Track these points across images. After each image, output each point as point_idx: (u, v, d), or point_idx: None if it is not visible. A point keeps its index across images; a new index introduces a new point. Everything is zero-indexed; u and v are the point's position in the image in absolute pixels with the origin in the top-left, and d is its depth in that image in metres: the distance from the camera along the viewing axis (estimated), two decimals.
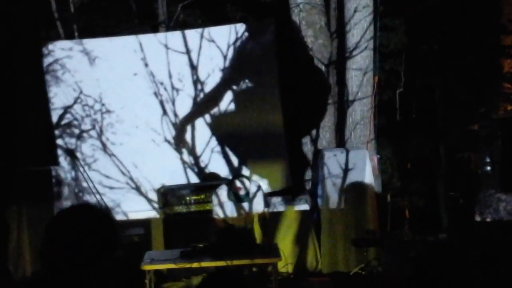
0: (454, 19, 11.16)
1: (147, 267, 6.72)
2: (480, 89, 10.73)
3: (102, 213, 2.57)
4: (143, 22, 12.82)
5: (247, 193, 7.22)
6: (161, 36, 9.90)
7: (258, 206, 7.45)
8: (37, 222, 7.94)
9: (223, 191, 7.40)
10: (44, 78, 9.21)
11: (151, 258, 6.94)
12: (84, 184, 9.14)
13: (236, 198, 7.23)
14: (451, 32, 11.31)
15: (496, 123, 8.93)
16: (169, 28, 11.91)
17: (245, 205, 7.37)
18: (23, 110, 8.79)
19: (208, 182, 8.96)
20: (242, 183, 7.19)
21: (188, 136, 9.61)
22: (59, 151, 9.38)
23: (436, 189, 11.32)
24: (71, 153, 9.32)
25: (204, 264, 6.79)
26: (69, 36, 11.77)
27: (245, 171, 9.45)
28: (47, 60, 9.35)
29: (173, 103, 9.57)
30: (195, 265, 6.76)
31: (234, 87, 9.64)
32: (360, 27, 9.37)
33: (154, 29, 12.08)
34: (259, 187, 7.50)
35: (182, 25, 11.97)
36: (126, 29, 11.48)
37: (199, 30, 9.75)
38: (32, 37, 9.03)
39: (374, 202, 8.67)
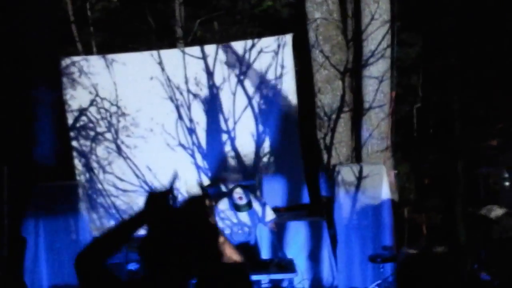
0: (472, 35, 11.10)
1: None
2: (498, 104, 10.66)
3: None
4: (161, 38, 12.91)
5: (247, 203, 7.22)
6: (179, 50, 9.95)
7: (263, 218, 7.45)
8: (53, 236, 7.98)
9: (224, 205, 7.41)
10: (61, 88, 9.25)
11: None
12: (98, 187, 9.17)
13: (236, 207, 7.24)
14: (469, 47, 11.26)
15: None
16: (187, 43, 11.98)
17: (248, 218, 7.37)
18: (40, 124, 8.83)
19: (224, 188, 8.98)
20: (242, 193, 7.20)
21: (203, 142, 9.63)
22: (74, 153, 9.40)
23: (453, 205, 11.22)
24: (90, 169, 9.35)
25: None
26: (87, 52, 11.88)
27: (257, 182, 9.45)
28: (64, 63, 9.40)
29: (189, 108, 9.60)
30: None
31: (251, 98, 9.67)
32: (376, 39, 9.35)
33: (172, 45, 12.16)
34: (262, 199, 7.53)
35: (199, 41, 12.04)
36: (144, 45, 11.57)
37: (218, 46, 9.80)
38: (51, 51, 9.09)
39: (391, 217, 8.61)
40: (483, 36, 10.69)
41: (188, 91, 9.59)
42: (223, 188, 9.39)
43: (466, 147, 10.81)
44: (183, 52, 9.61)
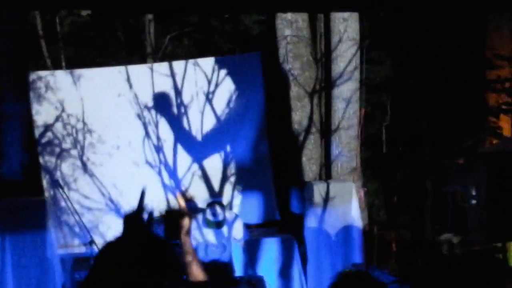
0: (440, 53, 11.24)
1: None
2: (466, 122, 10.79)
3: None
4: (131, 53, 12.86)
5: (222, 220, 7.19)
6: (148, 66, 9.91)
7: (236, 235, 7.42)
8: (20, 253, 7.84)
9: (197, 222, 7.36)
10: (29, 102, 9.13)
11: None
12: (63, 204, 9.04)
13: (209, 224, 7.19)
14: (437, 65, 11.39)
15: (482, 156, 8.96)
16: (157, 59, 11.95)
17: (220, 235, 7.34)
18: (7, 137, 8.71)
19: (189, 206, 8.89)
20: (217, 209, 7.16)
21: (170, 160, 9.56)
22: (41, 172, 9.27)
23: (422, 223, 11.32)
24: (55, 182, 9.22)
25: None
26: (56, 66, 11.78)
27: (227, 200, 9.43)
28: (30, 77, 9.28)
29: (156, 126, 9.53)
30: None
31: (220, 116, 9.65)
32: (345, 57, 9.43)
33: (142, 61, 12.13)
34: (236, 216, 7.48)
35: (170, 56, 12.02)
36: (114, 60, 11.51)
37: (189, 61, 9.78)
38: (19, 66, 8.98)
39: (361, 235, 8.64)
40: (454, 55, 10.83)
41: (156, 108, 9.53)
42: (197, 204, 9.35)
43: (435, 164, 10.92)
44: (151, 69, 9.56)
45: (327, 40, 9.84)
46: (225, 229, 7.33)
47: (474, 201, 8.26)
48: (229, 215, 7.43)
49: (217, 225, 7.22)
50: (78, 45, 12.50)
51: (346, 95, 9.46)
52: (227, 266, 7.36)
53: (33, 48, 11.37)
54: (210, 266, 7.13)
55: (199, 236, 7.34)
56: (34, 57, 11.44)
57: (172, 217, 2.68)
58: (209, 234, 7.36)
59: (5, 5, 8.73)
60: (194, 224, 7.38)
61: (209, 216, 7.17)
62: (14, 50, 8.78)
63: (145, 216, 2.67)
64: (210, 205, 7.29)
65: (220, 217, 7.17)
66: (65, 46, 12.55)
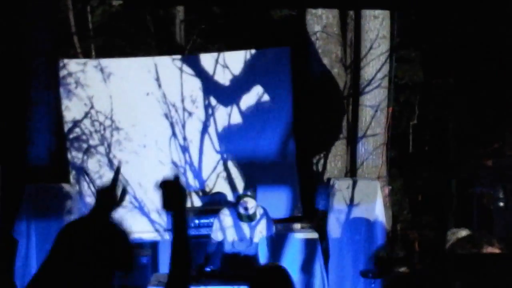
0: (470, 54, 11.16)
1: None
2: (494, 124, 10.70)
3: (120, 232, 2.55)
4: (160, 45, 12.90)
5: (254, 213, 7.18)
6: (176, 58, 9.91)
7: (264, 230, 7.41)
8: (45, 238, 7.92)
9: (226, 215, 7.36)
10: (59, 92, 9.21)
11: (158, 280, 6.90)
12: (88, 200, 9.12)
13: (242, 218, 7.18)
14: (466, 66, 11.31)
15: (509, 159, 8.89)
16: (187, 51, 11.96)
17: (250, 229, 7.33)
18: (36, 124, 8.79)
19: (215, 206, 8.90)
20: (248, 203, 7.14)
21: (195, 160, 9.58)
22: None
23: (446, 223, 11.25)
24: (84, 171, 9.30)
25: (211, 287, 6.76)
26: (86, 55, 11.86)
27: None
28: (61, 73, 9.35)
29: (183, 126, 9.55)
30: None
31: (247, 113, 9.64)
32: (375, 60, 9.38)
33: (171, 52, 12.15)
34: (264, 211, 7.47)
35: (198, 48, 12.04)
36: (143, 51, 11.55)
37: (214, 54, 9.77)
38: (49, 53, 9.06)
39: (384, 233, 8.60)
40: (481, 55, 10.74)
41: (183, 108, 9.55)
42: (218, 197, 9.38)
43: (461, 165, 10.84)
44: (181, 68, 9.51)
45: (357, 37, 9.81)
46: (252, 219, 7.31)
47: (501, 203, 8.19)
48: (258, 211, 7.42)
49: (249, 218, 7.20)
50: (108, 35, 12.58)
51: (374, 100, 9.42)
52: (253, 260, 7.37)
53: (63, 37, 11.46)
54: (235, 259, 7.17)
55: (230, 229, 7.33)
56: (64, 45, 11.53)
57: (167, 187, 2.71)
58: (241, 228, 7.35)
59: None
60: (220, 223, 7.37)
61: (241, 210, 7.14)
62: (44, 38, 8.88)
63: (118, 192, 2.72)
64: (240, 198, 7.25)
65: (251, 211, 7.14)
66: (96, 36, 12.65)
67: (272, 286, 3.12)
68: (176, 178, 2.91)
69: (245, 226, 7.30)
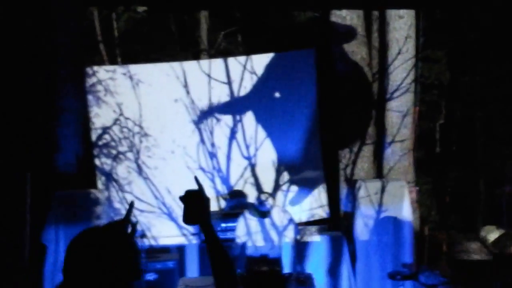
0: (496, 52, 11.04)
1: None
2: None
3: (128, 240, 2.56)
4: (185, 49, 12.96)
5: (268, 211, 7.22)
6: (204, 63, 9.94)
7: (288, 233, 7.43)
8: None
9: (248, 217, 7.41)
10: (86, 99, 9.30)
11: (185, 284, 6.94)
12: (117, 205, 9.20)
13: (255, 213, 7.23)
14: (493, 64, 11.19)
15: None
16: (211, 55, 11.99)
17: (273, 229, 7.36)
18: (63, 131, 8.89)
19: (240, 210, 8.93)
20: (264, 199, 7.20)
21: (223, 166, 9.62)
22: (96, 171, 9.44)
23: (475, 224, 11.14)
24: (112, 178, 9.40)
25: None
26: (112, 62, 11.95)
27: (281, 200, 9.46)
28: (90, 80, 9.44)
29: (211, 132, 9.59)
30: None
31: (273, 116, 9.64)
32: (402, 62, 9.31)
33: (196, 56, 12.21)
34: (289, 215, 7.50)
35: (223, 53, 12.07)
36: (168, 55, 11.61)
37: (241, 58, 9.79)
38: (76, 60, 9.15)
39: (412, 235, 8.56)
40: (508, 53, 10.62)
41: (212, 114, 9.60)
42: (244, 200, 9.40)
43: (488, 165, 10.73)
44: (209, 74, 9.52)
45: (382, 38, 9.76)
46: (275, 225, 7.35)
47: None
48: (281, 212, 7.45)
49: (262, 214, 7.26)
50: (134, 41, 12.68)
51: (402, 96, 9.37)
52: (276, 262, 7.38)
53: (90, 43, 11.57)
54: (259, 261, 7.19)
55: (253, 231, 7.38)
56: (91, 52, 11.64)
57: (189, 201, 2.69)
58: (255, 226, 7.38)
59: (64, 1, 8.93)
60: (250, 222, 7.42)
61: (256, 204, 7.24)
62: (71, 45, 8.98)
63: (129, 227, 2.70)
64: (262, 194, 7.35)
65: (266, 207, 7.21)
66: (121, 42, 12.75)
67: None
68: (199, 190, 2.90)
69: (261, 225, 7.34)
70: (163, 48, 12.66)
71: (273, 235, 7.42)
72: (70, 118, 9.02)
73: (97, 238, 2.54)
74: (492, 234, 7.50)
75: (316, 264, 8.61)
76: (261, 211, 7.25)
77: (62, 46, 8.90)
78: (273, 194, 7.42)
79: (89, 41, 11.42)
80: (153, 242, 8.98)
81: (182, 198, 2.89)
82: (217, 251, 2.84)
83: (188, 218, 2.88)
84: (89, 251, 2.49)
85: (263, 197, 7.30)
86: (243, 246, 7.45)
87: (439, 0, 9.76)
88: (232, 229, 8.27)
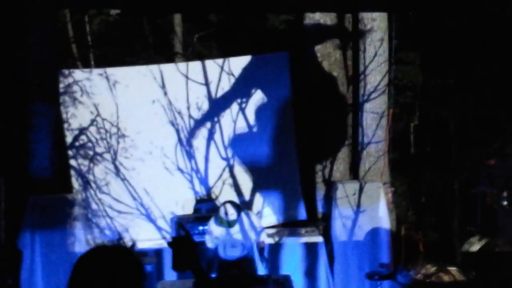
0: (469, 54, 11.17)
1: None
2: (494, 124, 10.71)
3: (130, 256, 2.52)
4: (159, 52, 12.92)
5: (234, 220, 7.22)
6: (181, 65, 9.93)
7: (258, 237, 7.46)
8: (50, 249, 7.93)
9: (214, 223, 7.43)
10: (59, 103, 9.19)
11: (164, 287, 6.90)
12: (94, 207, 9.14)
13: (221, 223, 7.24)
14: (466, 67, 11.32)
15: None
16: (185, 58, 11.97)
17: (240, 233, 7.38)
18: (37, 135, 8.79)
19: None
20: (230, 209, 7.21)
21: (201, 167, 9.60)
22: (72, 172, 9.36)
23: (450, 223, 11.25)
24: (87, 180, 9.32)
25: None
26: (86, 65, 11.87)
27: (258, 202, 9.47)
28: (66, 81, 9.35)
29: (189, 133, 9.56)
30: None
31: (250, 118, 9.65)
32: (376, 64, 9.38)
33: (170, 60, 12.17)
34: (257, 218, 7.54)
35: (198, 56, 12.05)
36: (142, 58, 11.56)
37: (219, 61, 9.78)
38: (48, 63, 9.06)
39: (388, 235, 8.61)
40: (481, 56, 10.76)
41: (189, 116, 9.57)
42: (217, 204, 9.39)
43: (463, 166, 10.85)
44: (186, 75, 9.50)
45: (356, 41, 9.81)
46: (242, 228, 7.37)
47: (505, 203, 8.18)
48: (247, 215, 7.48)
49: (229, 224, 7.26)
50: (107, 44, 12.60)
51: (376, 98, 9.43)
52: (248, 265, 7.40)
53: (62, 47, 11.46)
54: (230, 265, 7.21)
55: (220, 236, 7.39)
56: (63, 55, 11.53)
57: (180, 246, 2.67)
58: (224, 233, 7.39)
59: (35, 4, 8.84)
60: (217, 227, 7.42)
61: (222, 214, 7.23)
62: (43, 49, 8.88)
63: None
64: (226, 203, 7.34)
65: (232, 217, 7.21)
66: (94, 45, 12.65)
67: None
68: (186, 236, 2.90)
69: (227, 231, 7.35)
70: (137, 52, 12.62)
71: (243, 239, 7.43)
72: (43, 123, 8.92)
73: (105, 258, 2.49)
74: (474, 246, 7.59)
75: (294, 266, 8.62)
76: (227, 221, 7.25)
77: (34, 49, 8.80)
78: (237, 203, 7.41)
79: (62, 44, 11.31)
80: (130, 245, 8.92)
81: (170, 244, 2.87)
82: None
83: (178, 264, 2.87)
84: (97, 271, 2.44)
85: (227, 207, 7.28)
86: (215, 250, 7.45)
87: (412, 3, 9.83)
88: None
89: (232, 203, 7.35)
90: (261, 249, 7.71)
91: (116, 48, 12.56)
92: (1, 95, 8.56)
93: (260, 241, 7.71)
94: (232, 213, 7.20)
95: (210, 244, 7.47)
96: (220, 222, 7.27)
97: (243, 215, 7.50)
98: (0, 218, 7.78)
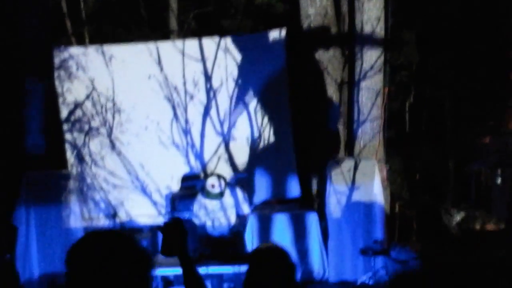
0: (465, 33, 11.16)
1: (155, 273, 6.70)
2: (489, 102, 10.72)
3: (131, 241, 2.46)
4: (154, 31, 12.87)
5: (221, 192, 7.24)
6: (177, 42, 9.92)
7: (241, 209, 7.49)
8: (45, 224, 7.95)
9: (201, 199, 7.44)
10: (54, 79, 9.17)
11: (158, 263, 6.90)
12: (89, 181, 9.15)
13: (208, 195, 7.25)
14: (461, 45, 11.31)
15: (506, 136, 8.91)
16: (181, 36, 11.94)
17: (226, 208, 7.40)
18: (31, 111, 8.78)
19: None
20: (216, 181, 7.22)
21: (197, 142, 9.60)
22: (67, 146, 9.36)
23: (444, 202, 11.29)
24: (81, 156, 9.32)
25: (212, 269, 6.79)
26: (80, 42, 11.83)
27: (253, 178, 9.50)
28: (62, 55, 9.32)
29: (185, 108, 9.57)
30: (202, 270, 6.74)
31: (246, 95, 9.65)
32: (369, 36, 9.36)
33: (165, 37, 12.12)
34: (241, 191, 7.55)
35: (194, 34, 12.01)
36: (137, 36, 11.52)
37: (215, 39, 9.76)
38: (42, 40, 9.02)
39: (382, 212, 8.64)
40: (476, 35, 10.74)
41: (185, 91, 9.56)
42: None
43: (458, 144, 10.87)
44: (182, 51, 9.49)
45: (351, 19, 9.78)
46: (229, 203, 7.40)
47: (499, 180, 8.22)
48: (233, 190, 7.52)
49: (216, 196, 7.27)
50: (102, 22, 12.54)
51: (372, 76, 9.43)
52: (236, 239, 7.45)
53: (57, 25, 11.40)
54: (218, 239, 7.24)
55: (203, 209, 7.41)
56: (58, 33, 11.47)
57: (168, 232, 2.67)
58: (210, 206, 7.40)
59: None
60: (203, 203, 7.45)
61: (209, 188, 7.24)
62: (38, 26, 8.85)
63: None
64: (211, 176, 7.37)
65: (218, 189, 7.23)
66: (89, 23, 12.60)
67: (270, 265, 3.14)
68: (177, 222, 2.89)
69: (215, 205, 7.37)
70: (132, 29, 12.57)
71: (228, 213, 7.46)
72: (37, 100, 8.91)
73: (103, 243, 2.41)
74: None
75: (288, 242, 8.64)
76: (213, 194, 7.27)
77: (28, 26, 8.77)
78: (223, 176, 7.43)
79: (56, 21, 11.25)
80: (126, 220, 8.95)
81: (161, 229, 2.87)
82: (194, 283, 2.86)
83: (166, 250, 2.86)
84: (95, 257, 2.36)
85: (213, 179, 7.30)
86: (203, 226, 7.47)
87: None
88: None
89: (218, 176, 7.37)
90: (247, 224, 7.73)
91: (111, 26, 12.52)
92: None
93: (247, 215, 7.74)
94: (218, 186, 7.23)
95: (198, 219, 7.47)
96: (207, 195, 7.30)
97: (229, 189, 7.52)
98: None
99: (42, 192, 8.14)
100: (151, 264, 2.36)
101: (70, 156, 9.35)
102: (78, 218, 8.15)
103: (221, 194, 7.24)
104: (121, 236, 2.43)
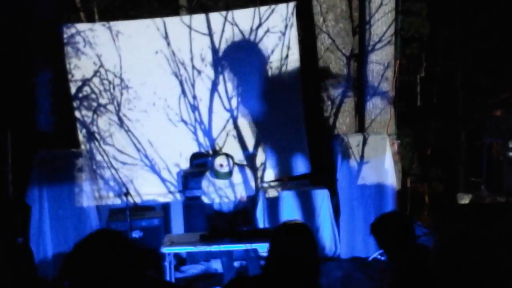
0: (476, 4, 11.02)
1: (167, 250, 6.75)
2: (501, 75, 10.63)
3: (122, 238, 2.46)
4: (164, 5, 12.80)
5: (229, 171, 7.22)
6: (184, 17, 9.85)
7: (250, 187, 7.48)
8: (58, 203, 7.99)
9: (209, 178, 7.42)
10: (64, 55, 9.15)
11: (171, 241, 6.95)
12: (99, 158, 9.17)
13: (217, 175, 7.23)
14: (473, 17, 11.18)
15: None
16: (190, 11, 11.86)
17: (235, 186, 7.39)
18: (41, 89, 8.79)
19: None
20: (224, 160, 7.19)
21: (205, 119, 9.59)
22: (76, 124, 9.37)
23: (456, 175, 11.24)
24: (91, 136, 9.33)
25: (224, 247, 6.82)
26: (90, 19, 11.79)
27: (262, 155, 9.49)
28: (69, 31, 9.29)
29: (193, 85, 9.53)
30: (214, 248, 6.79)
31: (255, 70, 9.60)
32: (382, 16, 9.27)
33: (175, 12, 12.06)
34: (249, 168, 7.53)
35: (202, 8, 11.94)
36: (146, 12, 11.46)
37: (223, 13, 9.68)
38: (52, 18, 8.99)
39: (394, 187, 8.64)
40: (487, 6, 10.61)
41: (193, 67, 9.51)
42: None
43: (469, 117, 10.80)
44: (189, 25, 9.43)
45: None
46: (237, 182, 7.38)
47: (511, 153, 8.18)
48: (242, 168, 7.50)
49: (224, 175, 7.25)
50: None
51: (382, 49, 9.36)
52: (245, 217, 7.45)
53: (65, 1, 11.36)
54: (227, 217, 7.25)
55: (212, 188, 7.40)
56: (67, 10, 11.43)
57: None
58: (219, 185, 7.40)
59: None
60: (212, 182, 7.44)
61: (217, 167, 7.21)
62: (46, 3, 8.81)
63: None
64: (220, 155, 7.33)
65: (227, 168, 7.19)
66: None
67: (298, 239, 3.14)
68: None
69: (226, 185, 7.36)
70: (141, 5, 12.51)
71: (233, 191, 7.45)
72: (47, 78, 8.91)
73: (98, 249, 2.43)
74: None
75: (300, 219, 8.66)
76: (222, 173, 7.24)
77: (37, 4, 8.74)
78: (231, 155, 7.41)
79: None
80: (138, 200, 8.98)
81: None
82: None
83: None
84: (92, 257, 2.38)
85: (221, 159, 7.27)
86: (212, 204, 7.47)
87: None
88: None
89: (227, 155, 7.34)
90: (258, 201, 7.72)
91: (120, 2, 12.46)
92: (5, 51, 8.53)
93: (257, 193, 7.72)
94: (227, 165, 7.20)
95: (207, 198, 7.47)
96: (215, 174, 7.28)
97: (238, 167, 7.50)
98: (8, 172, 7.81)
99: (55, 171, 8.17)
100: (146, 263, 2.40)
101: (79, 133, 9.35)
102: (90, 197, 8.19)
103: (229, 173, 7.22)
104: (116, 239, 2.44)
